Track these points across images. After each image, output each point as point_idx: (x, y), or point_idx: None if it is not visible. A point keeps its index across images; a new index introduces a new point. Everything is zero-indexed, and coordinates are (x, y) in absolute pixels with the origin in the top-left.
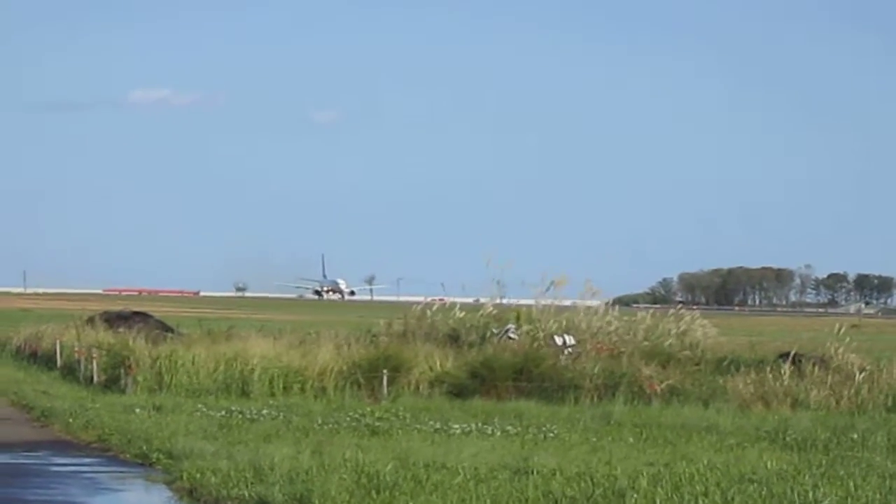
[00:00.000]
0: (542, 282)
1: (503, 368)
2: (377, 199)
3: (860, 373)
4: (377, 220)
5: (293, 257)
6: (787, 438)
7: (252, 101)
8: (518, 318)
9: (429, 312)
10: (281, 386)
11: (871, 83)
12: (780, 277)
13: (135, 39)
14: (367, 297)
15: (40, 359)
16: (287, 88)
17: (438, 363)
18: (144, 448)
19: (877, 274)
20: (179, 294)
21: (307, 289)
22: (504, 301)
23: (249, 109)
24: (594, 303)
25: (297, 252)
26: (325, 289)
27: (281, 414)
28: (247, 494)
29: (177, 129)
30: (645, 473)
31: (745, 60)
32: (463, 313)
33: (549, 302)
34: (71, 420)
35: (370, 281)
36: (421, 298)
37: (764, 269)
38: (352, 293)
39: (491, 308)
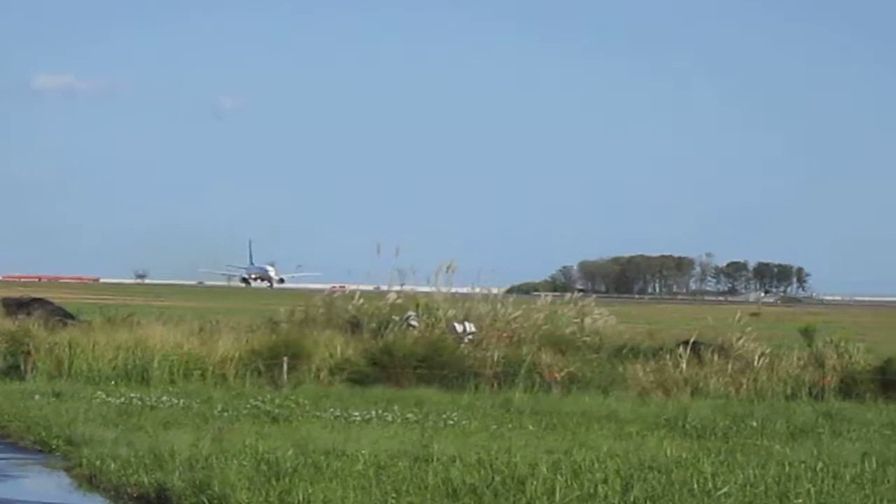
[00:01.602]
0: (438, 268)
1: (403, 356)
2: (285, 186)
3: (759, 360)
4: (283, 206)
5: (207, 243)
6: (687, 426)
7: (156, 88)
8: (418, 306)
9: (330, 300)
10: (181, 373)
11: (782, 71)
12: (680, 266)
13: (39, 25)
14: (297, 285)
15: None
16: (192, 75)
17: (339, 351)
18: (44, 435)
19: (776, 263)
20: (79, 281)
21: (234, 276)
22: (405, 289)
23: (154, 96)
24: (494, 290)
25: (210, 238)
26: (253, 276)
27: (181, 401)
28: (146, 481)
29: (82, 115)
30: (545, 461)
31: (651, 46)
32: (364, 301)
33: (449, 289)
34: None
35: (272, 265)
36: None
37: (664, 257)
38: (281, 281)
39: (394, 296)
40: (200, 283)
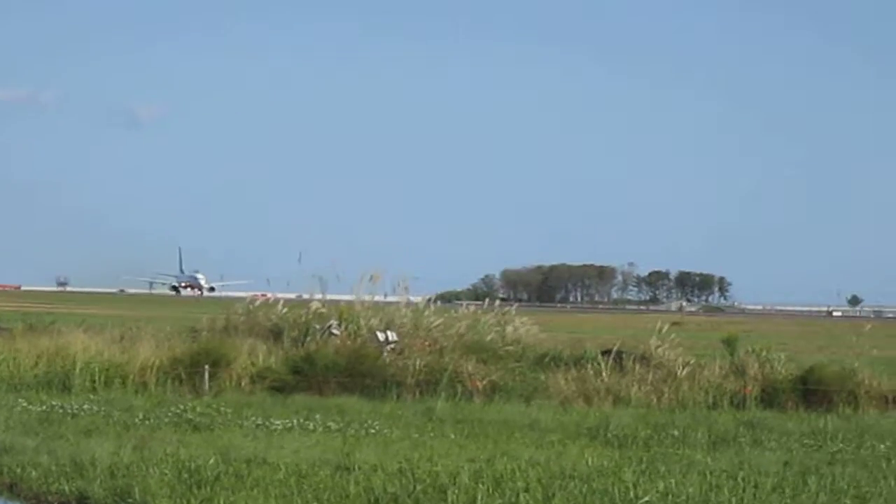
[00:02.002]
0: (361, 277)
1: (325, 364)
2: (208, 194)
3: (682, 369)
4: (208, 215)
5: (129, 251)
6: (609, 435)
7: (76, 96)
8: (340, 315)
9: (251, 308)
10: (102, 381)
11: (717, 70)
12: (602, 275)
13: None
14: (227, 293)
15: None
16: (113, 82)
17: (261, 359)
18: None
19: (698, 272)
20: (0, 288)
21: (158, 283)
22: (327, 297)
23: (74, 104)
24: (416, 299)
25: (133, 245)
26: (182, 284)
27: (102, 409)
28: (67, 489)
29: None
30: (466, 469)
31: (559, 52)
32: (286, 309)
33: (370, 298)
34: None
35: (201, 273)
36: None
37: (586, 266)
38: (211, 289)
39: (316, 304)
40: (122, 290)
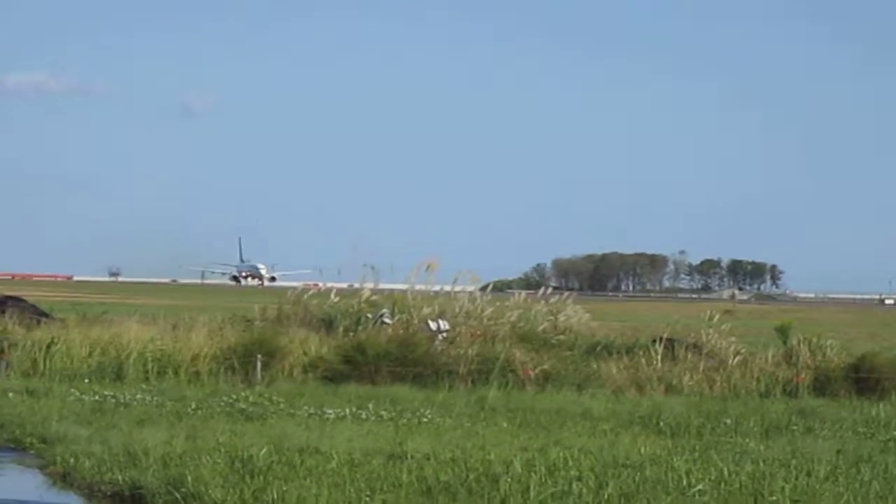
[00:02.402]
0: (416, 267)
1: (377, 353)
2: (263, 185)
3: (733, 358)
4: (261, 205)
5: (182, 241)
6: (661, 423)
7: (129, 86)
8: (393, 304)
9: (304, 298)
10: (155, 371)
11: (764, 68)
12: (654, 263)
13: (12, 23)
14: (288, 283)
15: None
16: (166, 73)
17: (313, 348)
18: (17, 432)
19: (749, 260)
20: (53, 278)
21: (224, 274)
22: (379, 286)
23: (128, 94)
24: (468, 288)
25: (185, 236)
26: (244, 274)
27: (155, 399)
28: (120, 479)
29: (55, 114)
30: (518, 458)
31: (631, 45)
32: (338, 299)
33: (423, 287)
34: None
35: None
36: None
37: (638, 254)
38: (272, 279)
39: (368, 293)
40: (174, 280)
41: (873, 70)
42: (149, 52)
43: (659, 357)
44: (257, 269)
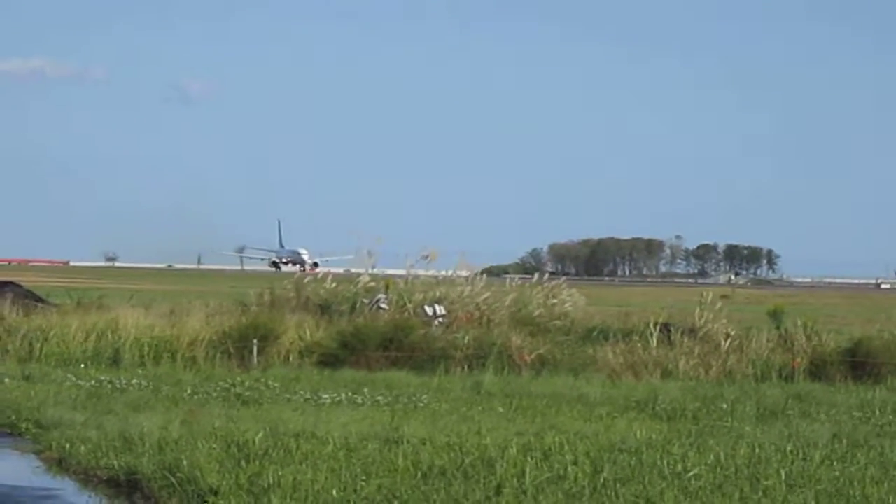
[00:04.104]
0: (415, 254)
1: (373, 338)
2: (259, 171)
3: (727, 341)
4: (259, 192)
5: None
6: (657, 408)
7: (126, 72)
8: (388, 288)
9: (300, 283)
10: (151, 356)
11: (757, 52)
12: (650, 248)
13: (9, 10)
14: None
15: None
16: (164, 59)
17: (308, 333)
18: (13, 418)
19: (746, 244)
20: (49, 264)
21: (263, 260)
22: (377, 272)
23: (124, 80)
24: (465, 273)
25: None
26: (284, 260)
27: (150, 384)
28: (116, 464)
29: (51, 99)
30: (515, 443)
31: (615, 33)
32: (335, 284)
33: (419, 272)
34: None
35: (241, 250)
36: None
37: (634, 239)
38: (315, 265)
39: (366, 279)
40: (170, 266)
41: (871, 56)
42: (148, 39)
43: (655, 341)
44: (299, 254)
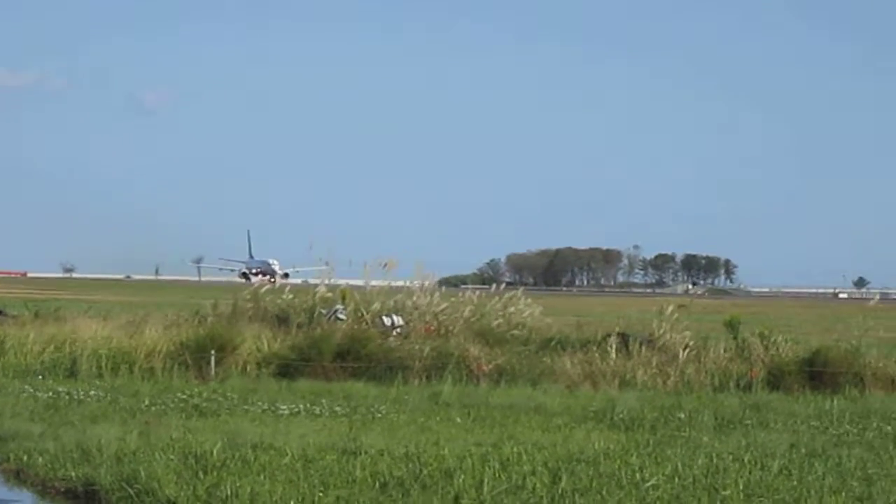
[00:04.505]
0: (372, 263)
1: (331, 349)
2: (215, 181)
3: (685, 351)
4: (215, 202)
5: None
6: (615, 418)
7: (84, 82)
8: (344, 298)
9: (257, 293)
10: (109, 367)
11: (719, 60)
12: (608, 258)
13: None
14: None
15: None
16: (120, 69)
17: (266, 344)
18: None
19: (704, 254)
20: (6, 275)
21: (233, 271)
22: (333, 282)
23: (80, 91)
24: (423, 283)
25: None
26: (254, 270)
27: (108, 395)
28: (74, 475)
29: (9, 110)
30: (473, 453)
31: (569, 34)
32: (292, 295)
33: (377, 282)
34: None
35: (198, 261)
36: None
37: (592, 249)
38: (285, 275)
39: (323, 289)
40: (128, 276)
41: (841, 63)
42: (106, 49)
43: (613, 352)
44: (269, 265)
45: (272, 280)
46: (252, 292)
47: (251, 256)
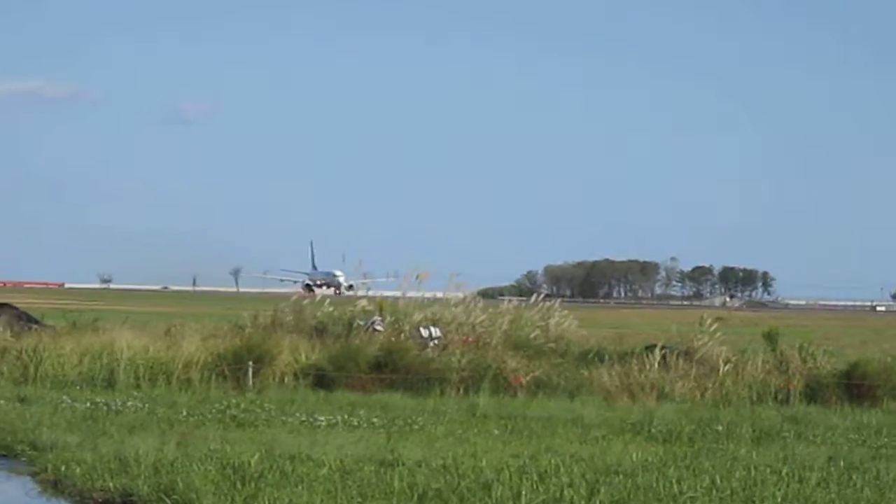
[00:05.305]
0: (408, 274)
1: (368, 360)
2: (252, 191)
3: (724, 365)
4: (251, 212)
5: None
6: (653, 430)
7: (122, 93)
8: (382, 310)
9: (297, 305)
10: (146, 377)
11: (757, 73)
12: (645, 270)
13: (5, 30)
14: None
15: None
16: (159, 80)
17: (304, 355)
18: (9, 440)
19: (741, 267)
20: (44, 286)
21: (295, 282)
22: (373, 294)
23: (120, 101)
24: (459, 295)
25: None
26: (318, 282)
27: (146, 406)
28: (111, 486)
29: (48, 120)
30: (510, 465)
31: (614, 52)
32: (332, 308)
33: (415, 294)
34: None
35: (236, 272)
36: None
37: (629, 261)
38: (350, 287)
39: (364, 301)
40: (166, 287)
41: (871, 75)
42: (144, 59)
43: (654, 364)
44: (334, 276)
45: (337, 292)
46: (291, 304)
47: (314, 268)
